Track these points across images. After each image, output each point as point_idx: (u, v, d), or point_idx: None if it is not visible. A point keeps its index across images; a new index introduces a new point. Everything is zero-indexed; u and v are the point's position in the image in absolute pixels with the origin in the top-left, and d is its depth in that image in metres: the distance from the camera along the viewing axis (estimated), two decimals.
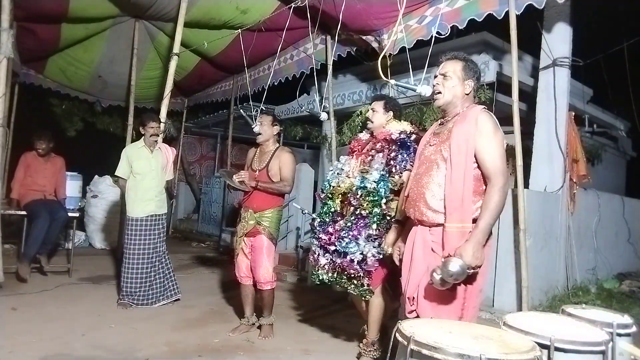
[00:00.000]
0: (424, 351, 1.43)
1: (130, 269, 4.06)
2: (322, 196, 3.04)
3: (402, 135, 2.93)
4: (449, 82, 2.18)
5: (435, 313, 2.04)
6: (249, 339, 3.44)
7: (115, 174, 4.27)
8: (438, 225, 2.10)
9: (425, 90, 2.38)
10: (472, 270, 1.94)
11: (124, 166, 4.19)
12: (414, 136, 2.95)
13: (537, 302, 4.20)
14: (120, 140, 7.43)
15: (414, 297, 2.16)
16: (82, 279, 5.01)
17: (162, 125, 4.48)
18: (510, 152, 3.93)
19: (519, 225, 3.73)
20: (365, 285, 2.79)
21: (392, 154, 2.86)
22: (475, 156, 2.05)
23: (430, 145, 2.23)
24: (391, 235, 2.70)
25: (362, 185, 2.80)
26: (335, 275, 2.84)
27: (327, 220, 2.91)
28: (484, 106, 2.15)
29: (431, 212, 2.12)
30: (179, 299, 4.29)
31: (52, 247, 5.12)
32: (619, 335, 1.90)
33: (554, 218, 4.61)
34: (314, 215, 3.34)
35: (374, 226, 2.74)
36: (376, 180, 2.78)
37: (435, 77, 2.24)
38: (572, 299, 4.41)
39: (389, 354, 1.63)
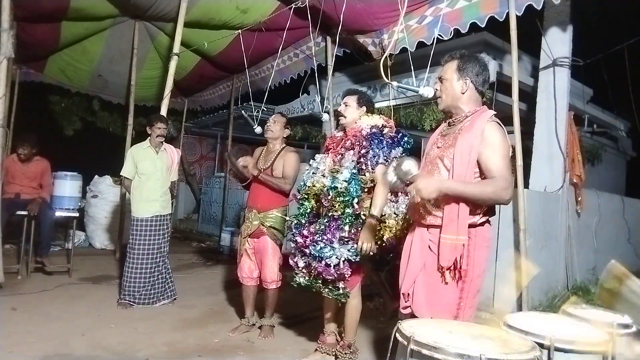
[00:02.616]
0: (424, 351, 1.43)
1: (133, 268, 4.07)
2: (298, 197, 2.92)
3: (374, 130, 2.83)
4: (446, 85, 2.15)
5: (430, 311, 2.05)
6: (249, 339, 3.45)
7: (121, 174, 4.29)
8: (436, 226, 2.10)
9: (427, 91, 2.36)
10: (414, 192, 1.96)
11: (129, 166, 4.20)
12: (386, 129, 2.86)
13: (537, 302, 4.20)
14: (120, 140, 7.43)
15: (409, 294, 2.17)
16: (82, 279, 5.01)
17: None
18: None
19: (519, 225, 3.73)
20: (341, 289, 2.70)
21: (363, 151, 2.77)
22: (479, 166, 2.02)
23: (437, 147, 2.19)
24: (366, 231, 2.64)
25: (333, 185, 2.68)
26: (311, 279, 2.74)
27: (304, 221, 2.81)
28: (493, 113, 2.09)
29: (430, 216, 2.13)
30: (175, 299, 4.31)
31: (46, 245, 5.09)
32: (619, 335, 1.90)
33: (554, 218, 4.61)
34: (288, 218, 3.26)
35: (346, 227, 2.64)
36: (347, 180, 2.66)
37: (437, 80, 2.22)
38: (572, 299, 4.41)
39: (389, 354, 1.63)
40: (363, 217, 2.73)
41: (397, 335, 1.57)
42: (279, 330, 3.63)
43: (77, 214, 5.62)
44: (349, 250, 2.64)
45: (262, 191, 3.44)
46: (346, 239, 2.65)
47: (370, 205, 2.71)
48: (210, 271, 5.97)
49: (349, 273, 2.68)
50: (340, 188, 2.64)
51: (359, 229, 2.69)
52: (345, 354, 2.95)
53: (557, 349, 1.62)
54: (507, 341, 1.54)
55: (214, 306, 4.31)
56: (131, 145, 4.86)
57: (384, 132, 2.84)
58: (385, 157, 2.77)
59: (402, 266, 2.29)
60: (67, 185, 5.90)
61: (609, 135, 8.39)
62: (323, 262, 2.63)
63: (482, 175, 2.03)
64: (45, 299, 4.17)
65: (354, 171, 2.71)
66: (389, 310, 3.92)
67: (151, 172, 4.16)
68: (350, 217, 2.65)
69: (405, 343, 1.50)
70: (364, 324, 3.73)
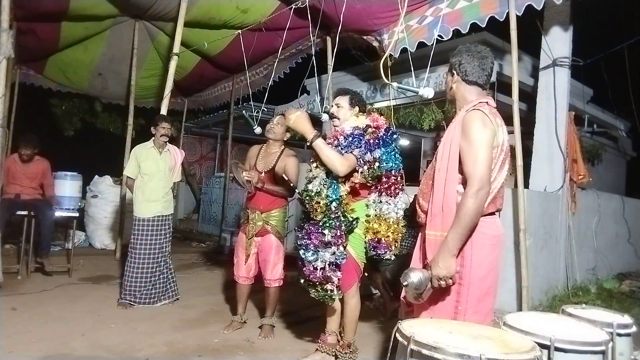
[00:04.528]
0: (424, 351, 1.42)
1: (134, 268, 4.08)
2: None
3: (356, 131, 2.80)
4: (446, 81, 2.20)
5: (430, 315, 2.01)
6: (249, 339, 3.44)
7: (124, 173, 4.31)
8: None
9: (427, 92, 2.36)
10: (443, 282, 1.86)
11: (132, 166, 4.20)
12: (370, 130, 2.81)
13: (537, 302, 4.20)
14: (120, 141, 7.44)
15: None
16: (82, 279, 5.01)
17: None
18: (510, 152, 3.94)
19: (519, 225, 3.73)
20: (328, 290, 2.69)
21: (342, 151, 2.74)
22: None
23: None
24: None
25: (309, 189, 2.70)
26: (303, 281, 2.77)
27: (304, 225, 2.83)
28: (481, 101, 2.01)
29: (423, 215, 2.11)
30: (177, 299, 4.31)
31: (47, 246, 5.07)
32: (619, 335, 1.90)
33: (554, 218, 4.61)
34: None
35: (326, 232, 2.63)
36: (322, 183, 2.67)
37: None
38: (572, 299, 4.41)
39: (389, 354, 1.63)
40: (350, 219, 2.74)
41: (397, 335, 1.57)
42: (279, 330, 3.63)
43: (77, 214, 5.63)
44: (332, 254, 2.65)
45: (265, 193, 3.49)
46: (327, 243, 2.65)
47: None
48: (210, 271, 5.97)
49: (338, 276, 2.69)
50: (314, 191, 2.67)
51: (343, 232, 2.68)
52: (345, 353, 2.95)
53: (557, 349, 1.62)
54: (507, 341, 1.54)
55: (214, 306, 4.31)
56: (131, 146, 4.87)
57: (365, 133, 2.80)
58: (362, 159, 2.73)
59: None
60: (67, 185, 5.91)
61: (609, 135, 8.39)
62: (311, 266, 2.66)
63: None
64: (45, 299, 4.17)
65: (333, 175, 2.68)
66: (389, 310, 3.93)
67: (154, 172, 4.17)
68: (329, 221, 2.65)
69: (405, 343, 1.49)
70: (364, 324, 3.73)
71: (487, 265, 1.98)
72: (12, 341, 3.07)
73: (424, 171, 2.36)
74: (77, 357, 2.95)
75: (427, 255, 2.00)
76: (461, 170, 1.94)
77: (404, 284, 1.88)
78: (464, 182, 1.92)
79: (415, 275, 1.88)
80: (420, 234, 2.20)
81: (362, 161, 2.73)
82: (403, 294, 2.18)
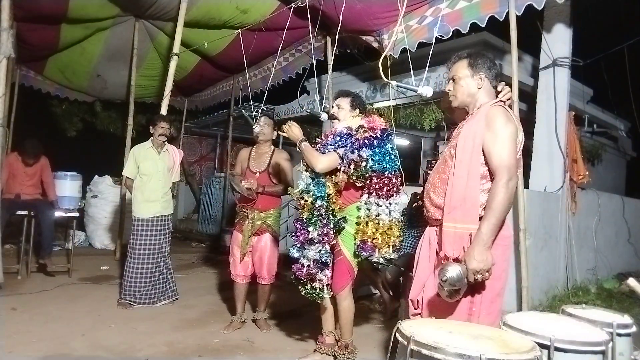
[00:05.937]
0: (424, 351, 1.43)
1: (134, 268, 4.08)
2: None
3: (345, 131, 2.83)
4: (460, 83, 2.13)
5: (442, 317, 1.98)
6: (249, 339, 3.45)
7: (123, 173, 4.31)
8: (441, 223, 2.05)
9: (426, 90, 2.36)
10: (479, 276, 1.83)
11: (131, 166, 4.21)
12: (362, 129, 2.81)
13: (537, 302, 4.20)
14: (121, 141, 7.44)
15: (418, 300, 2.11)
16: (82, 279, 5.01)
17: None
18: None
19: (519, 225, 3.73)
20: (317, 289, 2.72)
21: (325, 147, 2.79)
22: (483, 153, 1.96)
23: (450, 142, 2.18)
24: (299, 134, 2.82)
25: (298, 186, 2.78)
26: (293, 278, 2.81)
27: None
28: (498, 100, 2.06)
29: (434, 209, 2.09)
30: (177, 299, 4.32)
31: (48, 246, 5.06)
32: (619, 335, 1.90)
33: (554, 218, 4.61)
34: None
35: (310, 229, 2.66)
36: (309, 181, 2.73)
37: (448, 81, 2.20)
38: (572, 299, 4.41)
39: (389, 354, 1.63)
40: (338, 217, 2.76)
41: (397, 335, 1.57)
42: (278, 330, 3.64)
43: (77, 214, 5.62)
44: (317, 252, 2.68)
45: (263, 194, 3.55)
46: (312, 240, 2.68)
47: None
48: (210, 271, 5.97)
49: (326, 275, 2.72)
50: (302, 188, 2.73)
51: (330, 230, 2.71)
52: (343, 354, 2.95)
53: (557, 349, 1.62)
54: (507, 341, 1.54)
55: (214, 306, 4.31)
56: (131, 145, 4.87)
57: (355, 133, 2.81)
58: (346, 157, 2.74)
59: (414, 270, 2.25)
60: (67, 185, 5.91)
61: (609, 135, 8.39)
62: (299, 263, 2.72)
63: (487, 162, 1.96)
64: (45, 299, 4.17)
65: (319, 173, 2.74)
66: (389, 310, 3.93)
67: (152, 172, 4.17)
68: (314, 218, 2.68)
69: (405, 343, 1.49)
70: (364, 324, 3.73)
71: (500, 265, 1.98)
72: (12, 341, 3.07)
73: (424, 171, 2.37)
74: (77, 357, 2.95)
75: (445, 247, 1.99)
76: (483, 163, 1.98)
77: (443, 279, 1.81)
78: (486, 176, 1.97)
79: (453, 270, 1.81)
80: (426, 230, 2.19)
81: (346, 160, 2.74)
82: (411, 296, 2.16)
